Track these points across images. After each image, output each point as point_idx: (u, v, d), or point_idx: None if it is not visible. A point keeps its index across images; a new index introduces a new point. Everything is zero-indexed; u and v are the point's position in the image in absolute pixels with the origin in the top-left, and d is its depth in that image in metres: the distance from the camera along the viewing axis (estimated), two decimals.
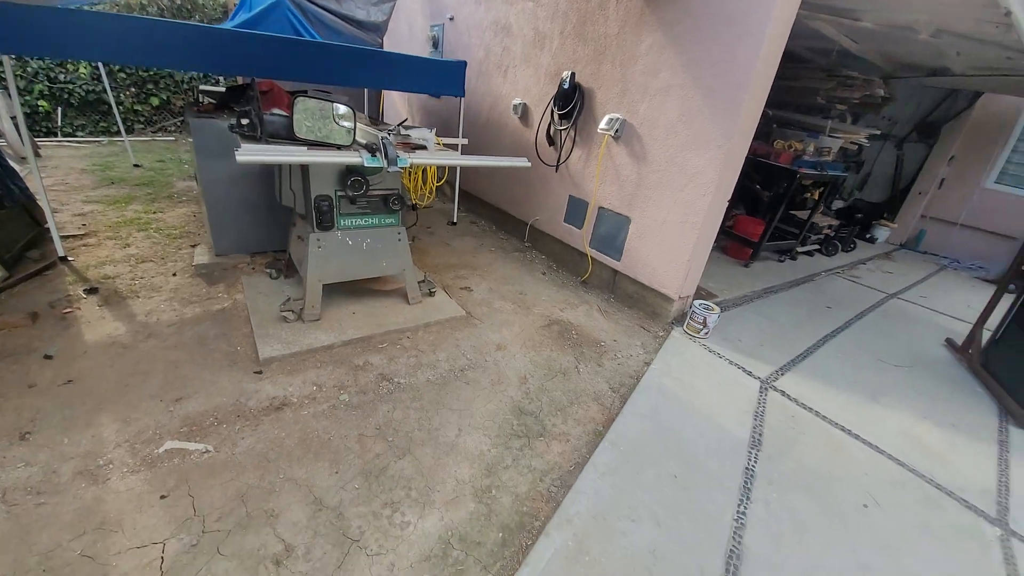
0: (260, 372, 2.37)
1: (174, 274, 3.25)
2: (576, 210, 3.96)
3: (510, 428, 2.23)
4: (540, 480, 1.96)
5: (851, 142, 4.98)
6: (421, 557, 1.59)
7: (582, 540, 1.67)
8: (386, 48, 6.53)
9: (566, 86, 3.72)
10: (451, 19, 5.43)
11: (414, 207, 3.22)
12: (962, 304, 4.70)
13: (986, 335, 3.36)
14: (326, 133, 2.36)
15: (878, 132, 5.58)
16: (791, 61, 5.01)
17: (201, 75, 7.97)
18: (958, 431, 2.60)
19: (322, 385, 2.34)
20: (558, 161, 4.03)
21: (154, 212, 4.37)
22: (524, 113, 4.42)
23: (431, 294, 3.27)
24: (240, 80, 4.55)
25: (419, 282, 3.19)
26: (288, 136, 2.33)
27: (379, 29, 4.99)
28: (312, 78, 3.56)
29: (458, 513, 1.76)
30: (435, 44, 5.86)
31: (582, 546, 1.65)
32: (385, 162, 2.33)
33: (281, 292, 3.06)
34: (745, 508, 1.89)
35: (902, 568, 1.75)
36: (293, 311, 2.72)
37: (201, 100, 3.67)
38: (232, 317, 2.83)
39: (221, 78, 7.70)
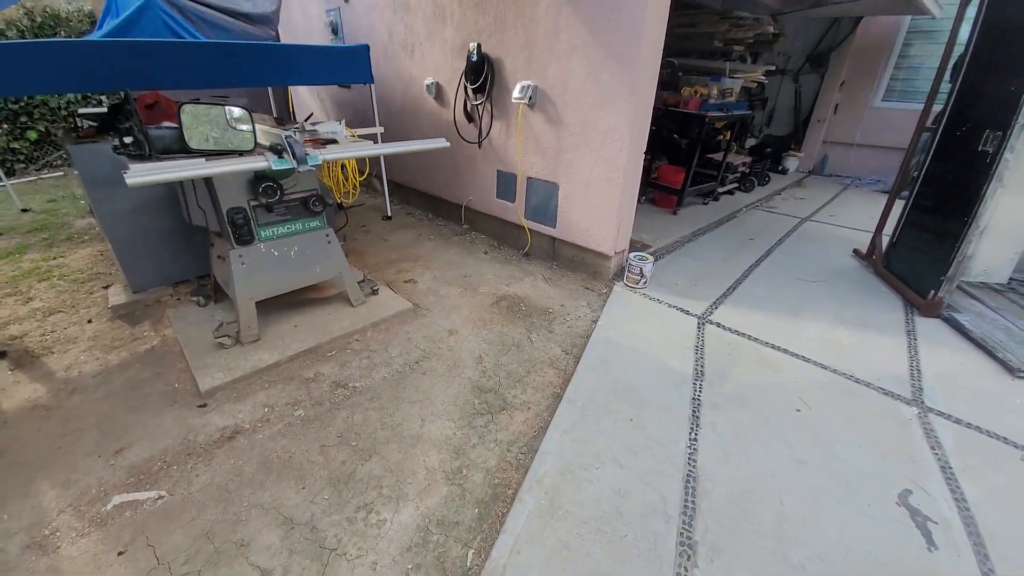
0: (204, 405, 2.26)
1: (89, 321, 2.99)
2: (506, 184, 3.97)
3: (472, 408, 2.27)
4: (508, 451, 2.03)
5: (751, 80, 5.26)
6: (402, 549, 1.62)
7: (553, 497, 1.76)
8: (284, 39, 6.13)
9: (474, 59, 3.67)
10: (346, 1, 5.15)
11: (340, 206, 3.11)
12: (865, 217, 5.18)
13: (886, 240, 3.74)
14: (224, 140, 2.21)
15: (774, 68, 5.92)
16: (687, 8, 5.17)
17: (81, 97, 7.13)
18: (869, 329, 2.92)
19: (274, 405, 2.27)
20: (480, 137, 4.00)
21: (54, 258, 3.95)
22: (438, 92, 4.32)
23: (374, 292, 3.21)
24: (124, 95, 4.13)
25: (359, 282, 3.12)
26: (182, 149, 2.17)
27: (270, 21, 4.66)
28: (202, 83, 3.29)
29: (432, 499, 1.79)
30: (334, 30, 5.55)
31: (554, 502, 1.74)
32: (294, 162, 2.22)
33: (213, 319, 2.90)
34: (696, 434, 2.06)
35: (833, 456, 1.98)
36: (229, 336, 2.59)
37: (81, 125, 3.31)
38: (164, 354, 2.66)
39: (103, 97, 6.88)
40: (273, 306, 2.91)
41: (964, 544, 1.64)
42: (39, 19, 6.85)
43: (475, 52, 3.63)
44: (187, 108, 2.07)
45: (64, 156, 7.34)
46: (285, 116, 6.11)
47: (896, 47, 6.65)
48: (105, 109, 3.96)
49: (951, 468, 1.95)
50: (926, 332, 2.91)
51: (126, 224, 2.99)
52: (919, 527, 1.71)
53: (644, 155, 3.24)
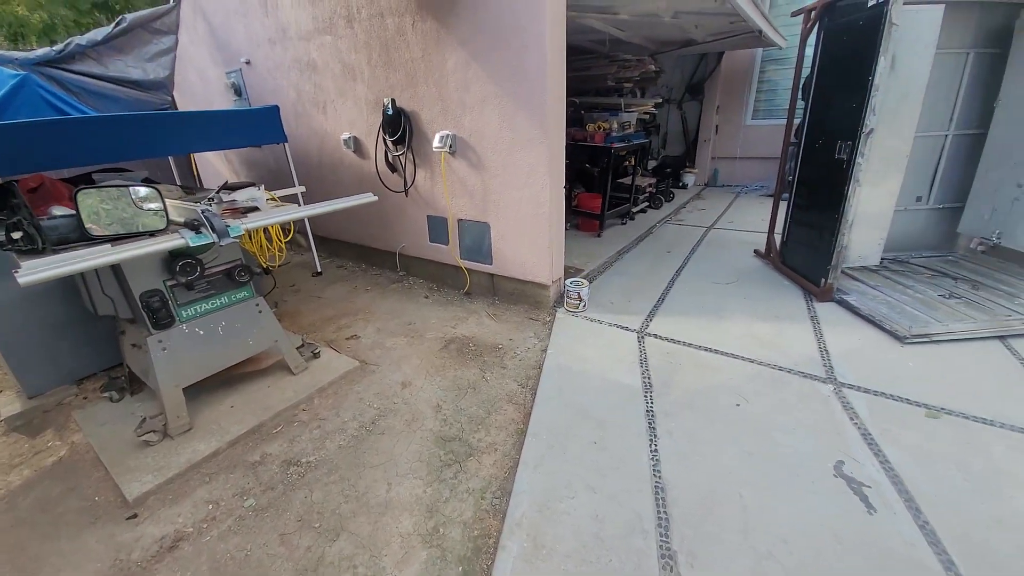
0: (134, 516, 2.00)
1: None
2: (438, 228, 4.03)
3: (439, 460, 2.23)
4: (482, 498, 2.00)
5: (644, 112, 5.86)
6: None
7: (535, 537, 1.76)
8: (181, 104, 5.83)
9: (390, 112, 3.75)
10: (247, 63, 5.05)
11: (267, 271, 2.96)
12: (758, 220, 5.86)
13: (778, 239, 4.27)
14: (131, 223, 2.06)
15: (661, 100, 6.65)
16: (581, 54, 5.70)
17: None
18: (781, 319, 3.28)
19: (218, 500, 2.06)
20: (405, 186, 4.04)
21: None
22: (357, 146, 4.33)
23: (316, 355, 3.06)
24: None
25: (298, 348, 2.97)
26: (82, 238, 1.98)
27: (164, 86, 4.45)
28: (96, 159, 3.05)
29: (412, 568, 1.72)
30: (238, 92, 5.39)
31: (536, 542, 1.74)
32: (214, 236, 2.11)
33: (131, 414, 2.60)
34: (655, 445, 2.17)
35: (774, 442, 2.18)
36: (155, 431, 2.33)
37: None
38: (75, 464, 2.33)
39: None
40: (203, 388, 2.67)
41: (897, 502, 1.85)
42: None
43: (390, 106, 3.72)
44: (84, 193, 1.91)
45: None
46: (190, 182, 5.75)
47: (755, 73, 7.77)
48: None
49: (871, 435, 2.22)
50: (825, 315, 3.33)
51: (15, 318, 2.64)
52: (856, 493, 1.91)
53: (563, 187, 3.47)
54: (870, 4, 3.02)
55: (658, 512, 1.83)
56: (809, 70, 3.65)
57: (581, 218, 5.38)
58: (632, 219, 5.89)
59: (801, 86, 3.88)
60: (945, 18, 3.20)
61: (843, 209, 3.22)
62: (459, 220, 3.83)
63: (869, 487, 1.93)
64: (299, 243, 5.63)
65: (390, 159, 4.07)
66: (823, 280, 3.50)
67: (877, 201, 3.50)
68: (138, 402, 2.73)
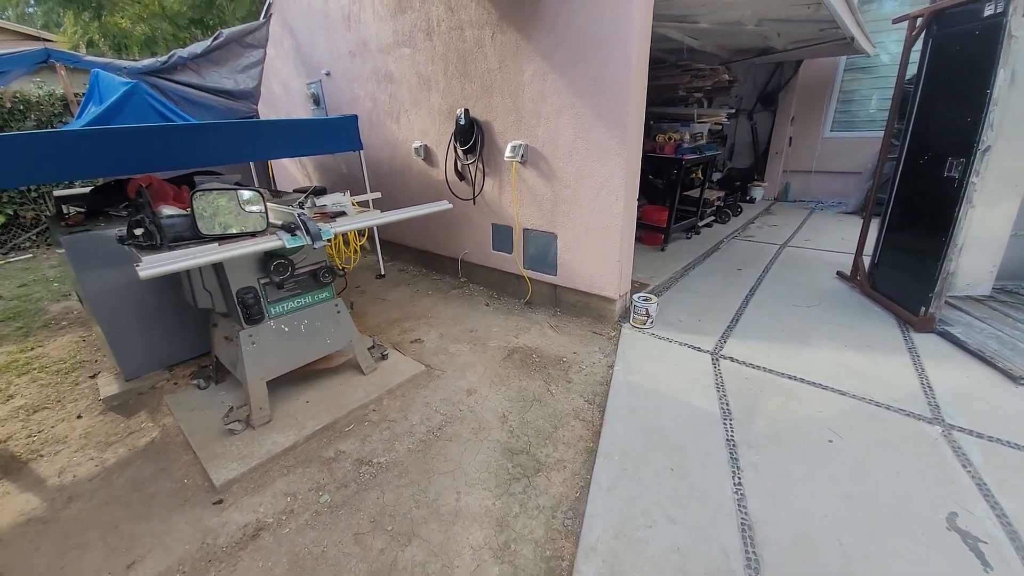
0: (220, 501, 2.11)
1: (79, 416, 2.80)
2: (502, 237, 4.05)
3: (507, 473, 2.20)
4: (553, 517, 1.95)
5: (715, 123, 5.64)
6: None
7: (612, 564, 1.68)
8: (263, 112, 6.26)
9: (462, 122, 3.82)
10: (327, 74, 5.34)
11: (343, 273, 3.09)
12: (838, 239, 5.47)
13: (866, 261, 3.94)
14: (236, 223, 2.19)
15: (733, 110, 6.39)
16: (652, 63, 5.59)
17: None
18: (874, 350, 3.01)
19: (296, 493, 2.14)
20: (473, 194, 4.10)
21: (32, 348, 3.74)
22: (427, 154, 4.45)
23: (384, 357, 3.14)
24: (101, 180, 4.09)
25: (369, 349, 3.05)
26: (194, 236, 2.13)
27: (251, 96, 4.78)
28: (194, 162, 3.30)
29: None
30: (316, 101, 5.72)
31: (614, 570, 1.66)
32: (309, 239, 2.21)
33: (217, 401, 2.76)
34: (739, 478, 2.03)
35: (876, 485, 1.98)
36: (240, 420, 2.46)
37: (67, 211, 3.23)
38: (166, 447, 2.50)
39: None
40: (281, 382, 2.79)
41: (1014, 559, 1.64)
42: (8, 105, 6.81)
43: (463, 116, 3.79)
44: (199, 195, 2.06)
45: (34, 238, 7.13)
46: (265, 185, 6.14)
47: (836, 83, 7.29)
48: (85, 190, 3.90)
49: (986, 485, 1.97)
50: (925, 348, 3.02)
51: (118, 305, 2.88)
52: (972, 550, 1.70)
53: None
54: (986, 13, 2.75)
55: (747, 552, 1.70)
56: (913, 83, 3.35)
57: (644, 231, 5.23)
58: (698, 233, 5.66)
59: (891, 98, 3.57)
60: None
61: (952, 232, 2.92)
62: (525, 229, 3.82)
63: (986, 543, 1.72)
64: (364, 245, 5.85)
65: (459, 167, 4.14)
66: (923, 309, 3.18)
67: (991, 224, 3.14)
68: (223, 391, 2.91)
